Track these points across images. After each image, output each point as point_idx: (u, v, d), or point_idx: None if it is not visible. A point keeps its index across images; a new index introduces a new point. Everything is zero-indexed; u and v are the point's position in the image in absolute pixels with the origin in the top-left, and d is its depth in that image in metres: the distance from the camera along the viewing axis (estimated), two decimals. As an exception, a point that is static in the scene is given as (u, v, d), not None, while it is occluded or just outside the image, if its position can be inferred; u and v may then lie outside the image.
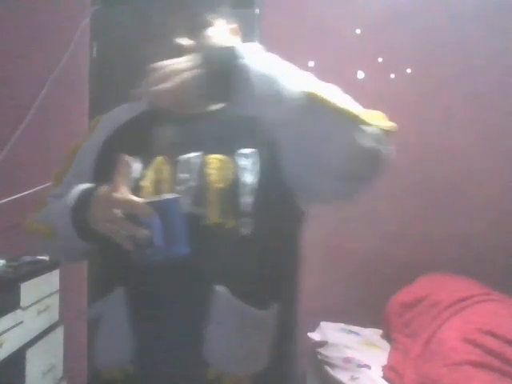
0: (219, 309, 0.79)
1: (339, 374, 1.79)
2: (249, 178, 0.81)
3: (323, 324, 2.27)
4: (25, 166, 2.48)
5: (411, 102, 2.44)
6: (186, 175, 0.82)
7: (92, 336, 0.87)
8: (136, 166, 0.83)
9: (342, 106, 0.72)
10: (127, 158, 0.76)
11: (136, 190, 0.80)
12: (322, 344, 2.01)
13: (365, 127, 0.73)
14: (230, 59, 0.73)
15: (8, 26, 2.54)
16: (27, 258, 2.19)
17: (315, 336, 2.16)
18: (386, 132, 0.76)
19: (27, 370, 1.96)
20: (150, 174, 0.84)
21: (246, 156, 0.83)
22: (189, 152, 0.84)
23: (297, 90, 0.72)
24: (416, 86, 2.45)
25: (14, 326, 1.87)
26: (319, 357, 1.96)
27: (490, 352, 1.59)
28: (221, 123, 0.87)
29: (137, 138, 0.88)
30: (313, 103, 0.71)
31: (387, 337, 2.15)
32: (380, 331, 2.24)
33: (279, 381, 0.87)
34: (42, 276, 2.15)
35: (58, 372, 2.28)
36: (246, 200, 0.80)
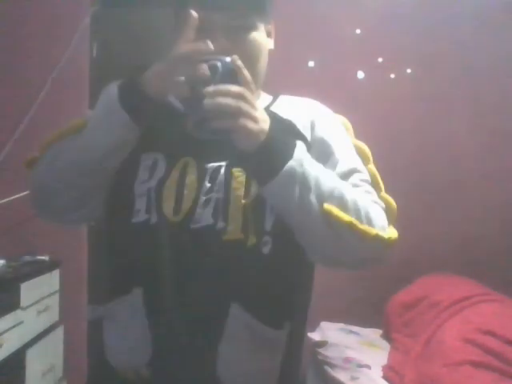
0: (233, 326, 0.78)
1: (339, 374, 1.79)
2: None
3: (323, 324, 2.27)
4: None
5: (411, 102, 2.44)
6: (209, 184, 0.79)
7: (99, 334, 0.87)
8: (161, 164, 0.82)
9: (352, 223, 0.73)
10: (194, 13, 0.71)
11: (159, 187, 0.80)
12: (322, 344, 2.01)
13: (369, 241, 0.75)
14: (287, 149, 0.72)
15: (7, 26, 2.54)
16: (27, 258, 2.19)
17: (315, 336, 2.15)
18: (388, 243, 0.77)
19: (27, 369, 1.96)
20: (175, 174, 0.81)
21: None
22: (214, 159, 0.81)
23: (315, 204, 0.72)
24: (416, 86, 2.45)
25: (13, 326, 1.87)
26: (319, 357, 1.96)
27: (489, 352, 1.59)
28: None
29: (160, 133, 0.83)
30: (328, 217, 0.73)
31: (387, 337, 2.15)
32: (380, 331, 2.24)
33: None
34: (42, 276, 2.15)
35: (58, 372, 2.27)
36: (268, 218, 0.80)
